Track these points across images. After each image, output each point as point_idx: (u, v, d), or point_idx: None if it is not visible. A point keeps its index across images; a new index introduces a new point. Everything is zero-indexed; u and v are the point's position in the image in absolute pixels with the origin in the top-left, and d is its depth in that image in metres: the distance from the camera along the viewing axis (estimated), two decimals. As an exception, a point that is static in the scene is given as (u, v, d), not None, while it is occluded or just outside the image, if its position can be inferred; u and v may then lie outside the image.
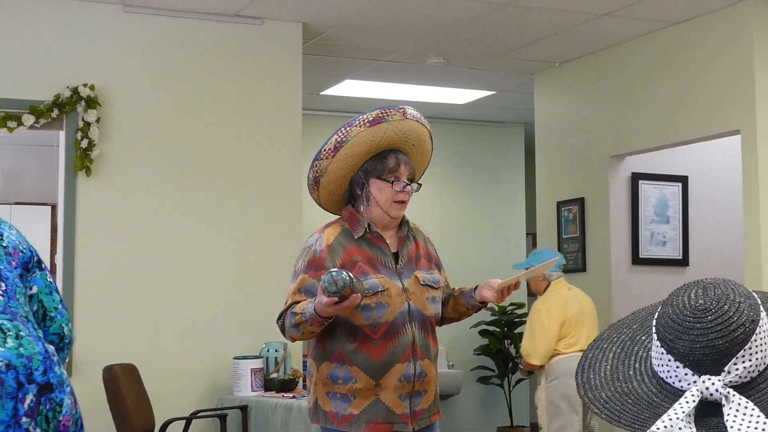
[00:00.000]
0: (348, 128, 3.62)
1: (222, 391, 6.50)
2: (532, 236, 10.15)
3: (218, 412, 6.12)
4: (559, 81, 8.11)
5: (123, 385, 5.88)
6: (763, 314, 1.47)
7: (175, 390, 6.44)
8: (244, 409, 6.03)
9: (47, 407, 2.62)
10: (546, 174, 8.22)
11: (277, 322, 3.66)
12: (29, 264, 2.87)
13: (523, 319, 8.81)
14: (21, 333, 2.66)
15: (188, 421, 6.10)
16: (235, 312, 6.64)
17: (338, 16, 6.83)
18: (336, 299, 3.35)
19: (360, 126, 3.61)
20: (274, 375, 6.28)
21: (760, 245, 6.31)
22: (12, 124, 6.23)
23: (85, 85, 6.33)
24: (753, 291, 1.52)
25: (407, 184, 3.69)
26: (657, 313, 1.52)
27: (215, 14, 6.72)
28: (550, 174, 8.15)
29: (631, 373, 1.56)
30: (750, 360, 1.45)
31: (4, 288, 2.73)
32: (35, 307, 2.87)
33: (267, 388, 6.24)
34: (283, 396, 6.00)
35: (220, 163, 6.70)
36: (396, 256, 3.71)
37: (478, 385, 10.01)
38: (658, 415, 1.46)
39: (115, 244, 6.43)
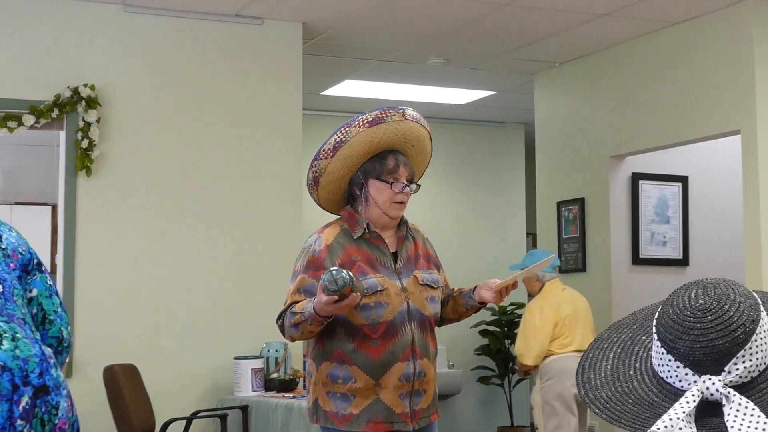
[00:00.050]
0: (347, 128, 3.62)
1: (222, 391, 6.50)
2: (532, 236, 10.15)
3: (219, 412, 6.12)
4: (560, 81, 8.11)
5: (123, 385, 5.88)
6: (763, 314, 1.47)
7: (175, 390, 6.44)
8: (244, 409, 6.03)
9: (43, 410, 2.61)
10: (546, 174, 8.22)
11: (277, 322, 3.66)
12: (29, 266, 2.87)
13: (524, 319, 8.81)
14: (17, 335, 2.66)
15: (188, 421, 6.10)
16: (235, 312, 6.64)
17: (338, 16, 6.83)
18: (335, 298, 3.35)
19: (359, 126, 3.61)
20: (275, 375, 6.28)
21: (760, 245, 6.31)
22: (12, 124, 6.23)
23: (85, 85, 6.33)
24: (753, 291, 1.52)
25: (406, 185, 3.69)
26: (657, 313, 1.52)
27: (215, 14, 6.72)
28: (551, 174, 8.15)
29: (631, 373, 1.56)
30: (750, 360, 1.45)
31: (1, 290, 2.73)
32: (35, 310, 2.86)
33: (267, 388, 6.24)
34: (283, 396, 6.00)
35: (220, 163, 6.70)
36: (395, 255, 3.72)
37: (478, 385, 10.01)
38: (659, 415, 1.46)
39: (116, 244, 6.43)
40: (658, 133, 7.10)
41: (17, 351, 2.61)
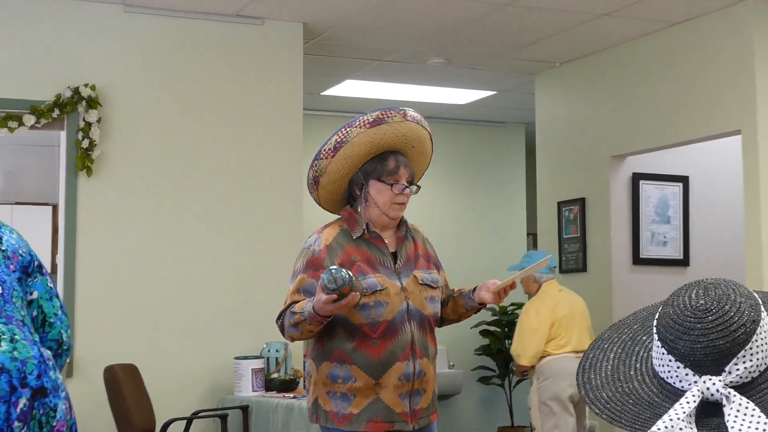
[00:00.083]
0: (348, 129, 3.62)
1: (223, 391, 6.50)
2: (532, 236, 10.15)
3: (219, 413, 6.12)
4: (560, 81, 8.11)
5: (124, 385, 5.88)
6: (763, 314, 1.47)
7: (175, 390, 6.44)
8: (244, 409, 6.03)
9: (41, 412, 2.61)
10: (547, 174, 8.22)
11: (277, 322, 3.66)
12: (29, 268, 2.86)
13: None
14: (16, 336, 2.65)
15: (189, 421, 6.10)
16: (235, 312, 6.64)
17: (339, 16, 6.83)
18: (335, 297, 3.35)
19: (360, 127, 3.61)
20: (275, 375, 6.28)
21: (760, 245, 6.31)
22: (13, 124, 6.23)
23: (86, 85, 6.33)
24: (754, 291, 1.52)
25: (406, 187, 3.69)
26: (658, 314, 1.52)
27: (216, 14, 6.72)
28: (551, 174, 8.15)
29: (632, 373, 1.56)
30: (751, 360, 1.45)
31: (0, 291, 2.72)
32: (35, 313, 2.86)
33: (268, 388, 6.24)
34: (284, 396, 6.00)
35: (220, 163, 6.70)
36: (394, 255, 3.72)
37: (478, 385, 10.01)
38: (659, 416, 1.46)
39: (116, 244, 6.43)
40: (659, 133, 7.10)
41: (15, 352, 2.61)
